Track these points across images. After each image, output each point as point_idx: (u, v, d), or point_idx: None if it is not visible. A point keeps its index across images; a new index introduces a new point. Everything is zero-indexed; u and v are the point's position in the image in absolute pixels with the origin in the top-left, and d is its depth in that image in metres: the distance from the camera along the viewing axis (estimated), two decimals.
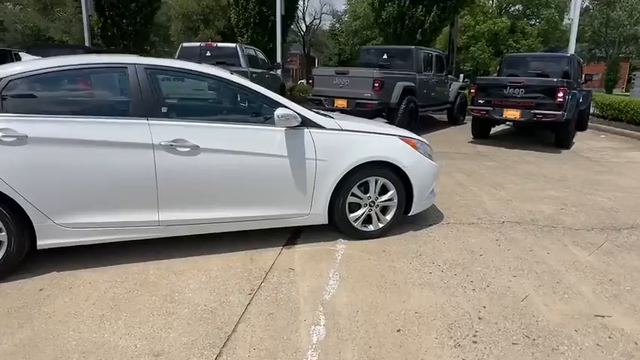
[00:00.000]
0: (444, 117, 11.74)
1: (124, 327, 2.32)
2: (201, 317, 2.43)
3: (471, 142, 8.67)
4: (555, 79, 7.49)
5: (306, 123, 3.21)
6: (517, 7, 41.51)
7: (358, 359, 2.12)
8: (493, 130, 9.43)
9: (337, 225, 3.46)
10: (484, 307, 2.61)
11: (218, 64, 8.78)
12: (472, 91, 8.24)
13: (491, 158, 7.08)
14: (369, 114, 8.64)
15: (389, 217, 3.58)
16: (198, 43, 9.74)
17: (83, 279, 2.81)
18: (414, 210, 3.66)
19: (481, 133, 8.89)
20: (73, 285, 2.74)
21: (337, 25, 42.75)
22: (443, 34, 20.68)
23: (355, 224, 3.48)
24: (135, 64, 2.90)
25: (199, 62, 8.66)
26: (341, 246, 3.42)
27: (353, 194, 3.40)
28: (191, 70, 3.06)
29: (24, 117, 2.64)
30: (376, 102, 7.86)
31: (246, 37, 15.23)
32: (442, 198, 4.67)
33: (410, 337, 2.30)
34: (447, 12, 14.08)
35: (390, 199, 3.52)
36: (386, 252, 3.32)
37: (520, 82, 7.59)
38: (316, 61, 42.59)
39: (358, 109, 7.94)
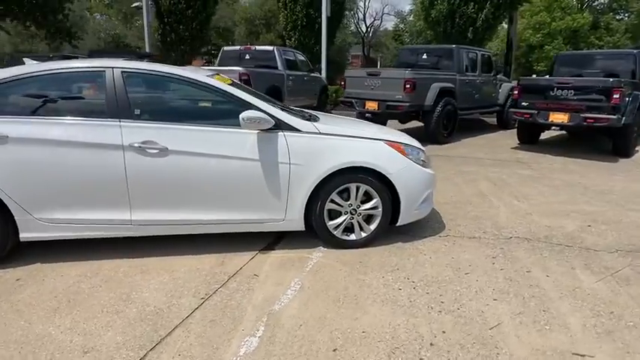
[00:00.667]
0: (495, 120, 11.04)
1: (70, 322, 2.40)
2: (145, 318, 2.45)
3: (515, 147, 8.03)
4: (611, 79, 6.70)
5: (280, 126, 3.13)
6: (602, 0, 38.11)
7: None
8: (545, 136, 8.69)
9: (316, 232, 3.34)
10: (443, 332, 2.36)
11: (257, 67, 8.99)
12: (515, 92, 7.63)
13: (529, 166, 6.50)
14: (401, 117, 8.45)
15: (373, 226, 3.39)
16: (238, 47, 10.01)
17: (58, 272, 2.95)
18: (402, 220, 3.44)
19: (528, 139, 8.20)
20: (46, 277, 2.89)
21: (401, 26, 41.91)
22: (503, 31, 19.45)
23: (335, 232, 3.34)
24: (112, 67, 3.01)
25: (238, 65, 8.88)
26: (317, 254, 3.29)
27: (332, 201, 3.26)
28: (163, 72, 3.11)
29: (4, 118, 2.84)
30: (407, 104, 7.50)
31: (293, 39, 15.41)
32: (452, 208, 4.36)
33: (343, 359, 2.14)
34: (502, 9, 13.20)
35: (373, 208, 3.33)
36: (362, 263, 3.14)
37: (569, 83, 6.89)
38: (378, 62, 42.11)
39: (389, 112, 7.66)
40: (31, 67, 3.04)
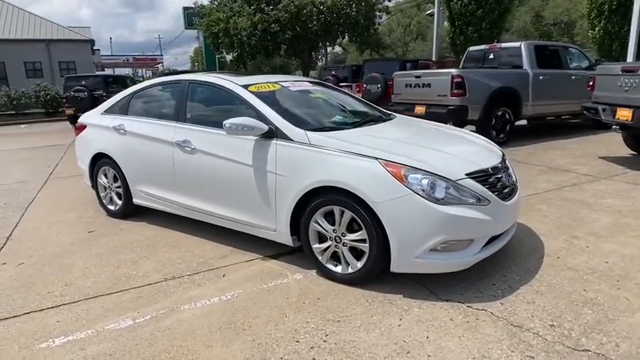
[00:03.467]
0: None
1: (142, 253, 3.33)
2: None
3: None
4: None
5: (275, 134, 3.03)
6: None
7: None
8: None
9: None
10: None
11: (500, 66, 7.94)
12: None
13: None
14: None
15: (360, 263, 2.75)
16: (483, 47, 8.87)
17: (140, 230, 4.00)
18: (397, 267, 2.63)
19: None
20: (136, 231, 3.98)
21: None
22: None
23: (320, 258, 2.93)
24: (187, 80, 3.73)
25: (481, 66, 8.18)
26: (298, 276, 2.99)
27: (317, 222, 2.87)
28: (209, 82, 3.56)
29: (127, 117, 4.07)
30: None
31: (597, 29, 11.96)
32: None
33: None
34: None
35: (360, 240, 2.71)
36: (325, 306, 2.66)
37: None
38: None
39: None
40: (149, 81, 4.18)
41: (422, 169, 2.59)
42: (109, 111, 4.34)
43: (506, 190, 2.91)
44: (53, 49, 24.31)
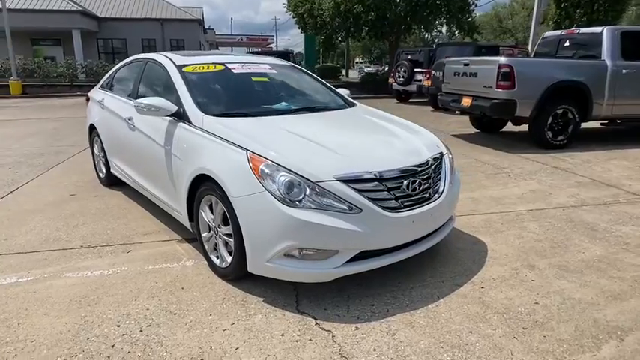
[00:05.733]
0: None
1: (116, 216, 3.67)
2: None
3: None
4: None
5: (182, 116, 2.98)
6: None
7: None
8: None
9: None
10: None
11: (575, 55, 6.80)
12: None
13: None
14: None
15: (230, 258, 2.61)
16: (559, 32, 7.47)
17: (109, 199, 4.29)
18: (252, 267, 2.44)
19: None
20: (105, 199, 4.29)
21: None
22: None
23: (206, 246, 2.84)
24: (146, 58, 3.85)
25: (555, 53, 7.16)
26: (189, 262, 2.95)
27: (203, 210, 2.78)
28: (155, 60, 3.66)
29: (105, 91, 4.35)
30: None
31: None
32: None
33: None
34: None
35: (229, 235, 2.56)
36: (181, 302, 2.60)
37: None
38: None
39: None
40: (128, 58, 4.37)
41: (283, 166, 2.33)
42: (102, 86, 4.68)
43: (409, 200, 2.49)
44: (166, 28, 26.95)
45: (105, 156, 4.45)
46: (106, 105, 4.27)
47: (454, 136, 8.05)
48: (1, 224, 3.62)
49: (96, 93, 4.69)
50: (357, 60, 72.77)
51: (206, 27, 37.35)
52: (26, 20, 22.20)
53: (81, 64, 20.24)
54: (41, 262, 2.95)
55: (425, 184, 2.62)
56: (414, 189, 2.54)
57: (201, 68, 3.43)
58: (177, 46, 26.86)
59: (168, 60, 3.52)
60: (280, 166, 2.34)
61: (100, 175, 4.78)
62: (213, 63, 3.54)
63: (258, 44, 46.74)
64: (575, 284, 2.68)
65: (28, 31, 23.55)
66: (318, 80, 4.09)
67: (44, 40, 25.98)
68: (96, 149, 4.75)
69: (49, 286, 2.62)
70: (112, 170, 4.40)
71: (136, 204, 4.13)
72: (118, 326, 2.24)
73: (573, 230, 3.54)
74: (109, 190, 4.59)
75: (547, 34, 7.99)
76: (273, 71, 3.81)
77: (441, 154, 2.91)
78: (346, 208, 2.28)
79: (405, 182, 2.50)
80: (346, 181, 2.33)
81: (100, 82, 4.79)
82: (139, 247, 3.21)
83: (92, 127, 4.67)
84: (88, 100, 4.99)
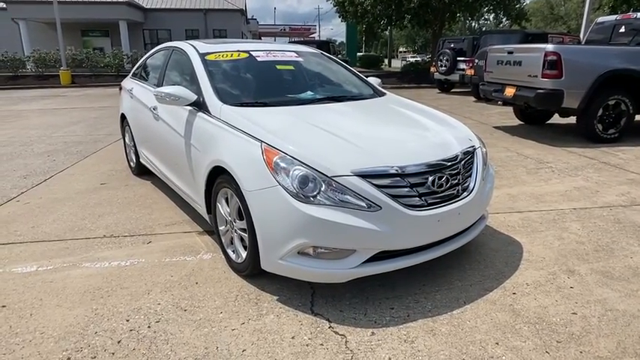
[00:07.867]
0: None
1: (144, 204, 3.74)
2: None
3: None
4: None
5: (201, 105, 2.91)
6: None
7: None
8: None
9: None
10: None
11: (633, 42, 6.25)
12: None
13: None
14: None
15: (245, 254, 2.52)
16: (614, 17, 6.81)
17: (138, 188, 4.32)
18: (265, 265, 2.33)
19: None
20: (134, 188, 4.33)
21: None
22: None
23: (223, 239, 2.77)
24: (172, 46, 3.81)
25: (609, 39, 6.66)
26: (207, 256, 2.89)
27: (220, 203, 2.70)
28: (179, 48, 3.63)
29: (135, 81, 4.35)
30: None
31: None
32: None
33: None
34: None
35: (243, 230, 2.47)
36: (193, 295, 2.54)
37: None
38: None
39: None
40: (158, 47, 4.34)
41: (298, 159, 2.20)
42: (133, 75, 4.71)
43: (434, 197, 2.30)
44: (209, 18, 27.31)
45: (134, 145, 4.49)
46: (134, 94, 4.28)
47: (496, 127, 7.64)
48: (30, 212, 3.72)
49: (127, 82, 4.73)
50: (400, 49, 71.32)
51: (249, 17, 37.56)
52: (76, 12, 23.12)
53: (127, 54, 20.88)
54: (63, 252, 2.99)
55: (453, 179, 2.41)
56: (441, 185, 2.34)
57: (225, 56, 3.35)
58: (220, 35, 27.19)
59: (192, 48, 3.45)
60: (295, 159, 2.20)
61: (131, 164, 4.84)
62: (237, 51, 3.45)
63: (300, 34, 46.53)
64: (620, 293, 2.41)
65: (78, 22, 24.53)
66: (346, 68, 3.91)
67: (93, 31, 27.01)
68: (127, 138, 4.80)
69: (66, 277, 2.63)
70: (140, 160, 4.43)
71: (162, 194, 4.14)
72: (127, 321, 2.21)
73: (621, 232, 3.21)
74: (139, 179, 4.64)
75: (600, 19, 7.35)
76: (300, 59, 3.67)
77: (473, 148, 2.68)
78: (364, 205, 2.12)
79: (431, 178, 2.31)
80: (365, 175, 2.17)
81: (132, 71, 4.82)
82: (159, 239, 3.19)
83: (123, 117, 4.72)
84: (120, 89, 5.05)
